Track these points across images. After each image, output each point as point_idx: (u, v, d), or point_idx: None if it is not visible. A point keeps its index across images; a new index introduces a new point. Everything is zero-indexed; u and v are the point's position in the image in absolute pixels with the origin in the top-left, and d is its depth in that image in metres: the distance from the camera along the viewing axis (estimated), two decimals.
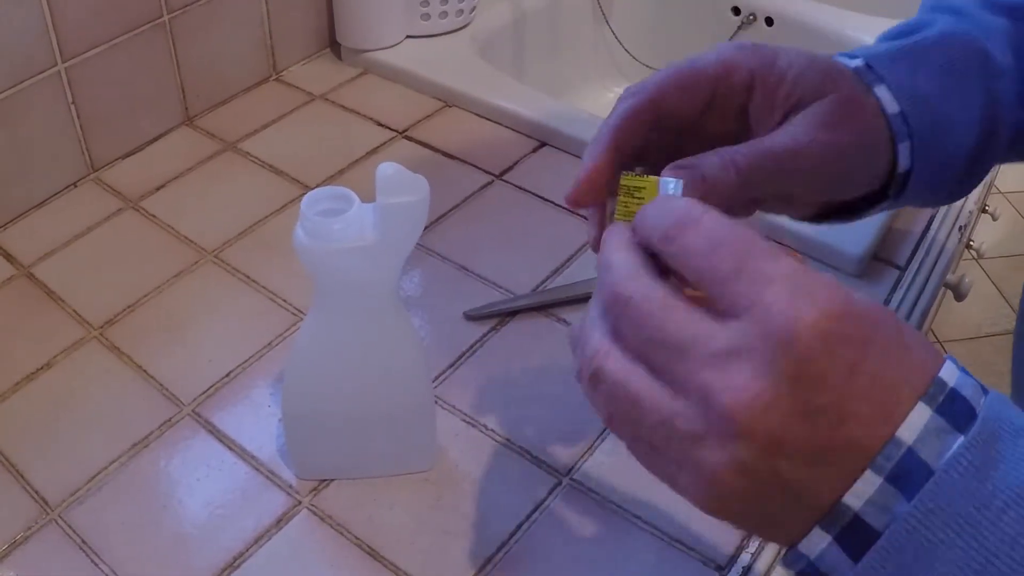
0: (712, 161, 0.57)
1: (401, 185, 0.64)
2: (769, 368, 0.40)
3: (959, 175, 0.66)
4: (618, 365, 0.44)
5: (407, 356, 0.72)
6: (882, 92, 0.62)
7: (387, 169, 0.64)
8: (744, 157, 0.58)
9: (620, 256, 0.46)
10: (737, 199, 0.58)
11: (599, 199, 0.60)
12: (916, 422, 0.41)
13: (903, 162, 0.63)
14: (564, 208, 1.05)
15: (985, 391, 0.43)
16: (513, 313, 0.93)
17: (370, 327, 0.70)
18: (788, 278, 0.41)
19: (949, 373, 0.43)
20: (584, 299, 0.92)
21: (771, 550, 0.74)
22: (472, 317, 0.92)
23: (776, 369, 0.40)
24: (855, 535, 0.42)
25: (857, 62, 0.63)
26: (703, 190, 0.56)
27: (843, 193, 0.65)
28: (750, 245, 0.42)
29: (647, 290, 0.44)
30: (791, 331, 0.40)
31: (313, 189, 0.67)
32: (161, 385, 0.87)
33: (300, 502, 0.78)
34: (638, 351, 0.44)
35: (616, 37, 1.55)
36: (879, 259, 0.98)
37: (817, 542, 0.43)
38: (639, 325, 0.44)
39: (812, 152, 0.59)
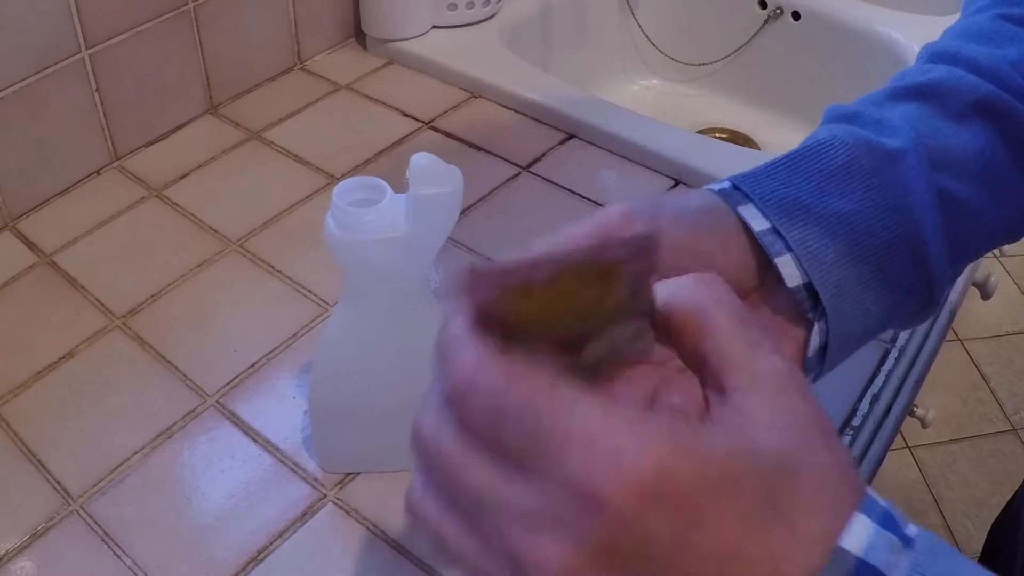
0: None
1: (435, 176, 0.63)
2: (578, 536, 0.36)
3: (903, 262, 0.57)
4: (432, 513, 0.40)
5: None
6: (747, 211, 0.55)
7: (421, 159, 0.63)
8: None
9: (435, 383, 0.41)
10: None
11: None
12: None
13: (790, 279, 0.55)
14: (592, 200, 1.05)
15: (909, 544, 0.38)
16: None
17: (400, 319, 0.69)
18: (587, 437, 0.36)
19: (858, 536, 0.37)
20: None
21: None
22: None
23: (584, 537, 0.36)
24: None
25: (723, 184, 0.58)
26: None
27: None
28: (538, 402, 0.37)
29: (447, 438, 0.39)
30: (595, 497, 0.35)
31: (339, 179, 0.66)
32: (185, 375, 0.86)
33: (325, 495, 0.77)
34: (448, 498, 0.40)
35: (642, 29, 1.53)
36: None
37: None
38: (445, 475, 0.39)
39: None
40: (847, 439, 0.80)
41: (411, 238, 0.64)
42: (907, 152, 0.56)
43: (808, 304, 0.55)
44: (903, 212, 0.55)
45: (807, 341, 0.56)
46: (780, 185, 0.56)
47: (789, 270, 0.55)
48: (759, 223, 0.55)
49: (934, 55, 0.63)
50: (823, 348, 0.56)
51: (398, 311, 0.69)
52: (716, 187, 0.57)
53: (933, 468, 2.44)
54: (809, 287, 0.55)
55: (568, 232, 0.48)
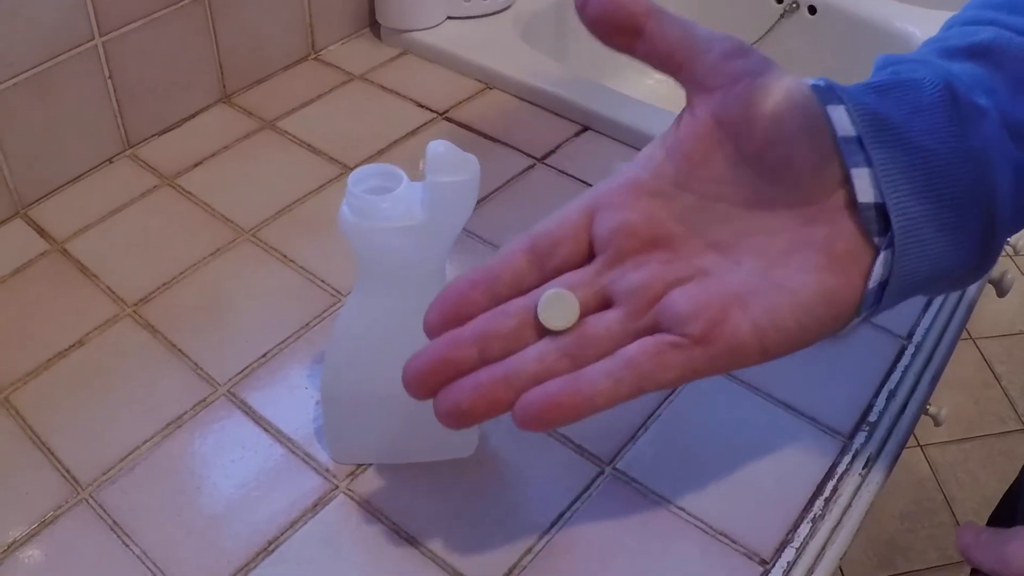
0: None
1: (452, 164, 0.62)
2: None
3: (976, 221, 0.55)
4: None
5: None
6: (836, 113, 0.54)
7: (438, 147, 0.62)
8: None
9: None
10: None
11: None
12: None
13: (863, 193, 0.53)
14: None
15: None
16: None
17: (415, 309, 0.68)
18: None
19: None
20: None
21: (816, 545, 0.72)
22: None
23: None
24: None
25: (818, 80, 0.56)
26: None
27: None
28: None
29: None
30: None
31: (353, 168, 0.65)
32: (196, 364, 0.86)
33: (337, 486, 0.76)
34: None
35: None
36: None
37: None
38: None
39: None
40: (863, 435, 0.79)
41: (427, 226, 0.63)
42: (990, 111, 0.55)
43: (876, 227, 0.53)
44: (982, 167, 0.54)
45: (871, 269, 0.54)
46: (873, 101, 0.54)
47: (863, 184, 0.53)
48: (844, 128, 0.53)
49: (967, 23, 0.61)
50: (883, 284, 0.54)
51: (413, 301, 0.67)
52: (811, 81, 0.56)
53: (944, 467, 2.43)
54: (880, 210, 0.53)
55: None
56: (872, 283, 0.54)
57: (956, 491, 2.39)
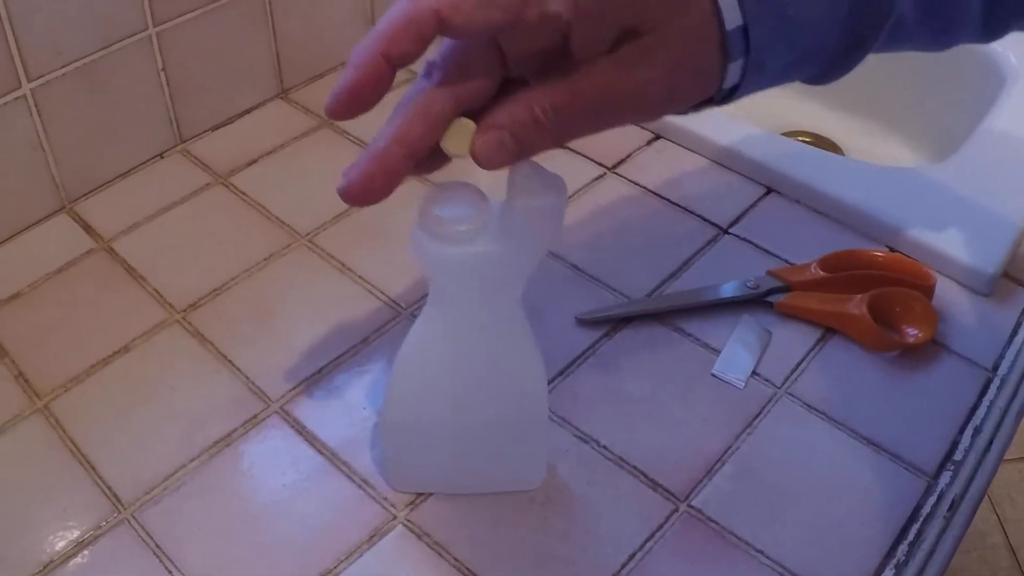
0: (519, 118, 0.53)
1: (536, 184, 0.57)
2: None
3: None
4: None
5: (526, 368, 0.66)
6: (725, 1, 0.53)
7: (522, 166, 0.57)
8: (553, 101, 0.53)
9: None
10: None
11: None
12: None
13: (731, 78, 0.56)
14: (681, 206, 0.99)
15: None
16: (628, 319, 0.86)
17: (489, 336, 0.64)
18: None
19: None
20: (705, 307, 0.86)
21: None
22: (584, 321, 0.86)
23: None
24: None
25: None
26: (515, 153, 0.53)
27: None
28: None
29: None
30: None
31: (434, 184, 0.61)
32: (247, 378, 0.82)
33: (395, 516, 0.72)
34: None
35: None
36: (1010, 278, 0.91)
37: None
38: None
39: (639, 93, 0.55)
40: (947, 475, 0.75)
41: (507, 253, 0.59)
42: None
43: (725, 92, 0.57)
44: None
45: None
46: None
47: (734, 75, 0.56)
48: (732, 19, 0.54)
49: None
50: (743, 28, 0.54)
51: (487, 327, 0.63)
52: None
53: (998, 487, 2.39)
54: None
55: None
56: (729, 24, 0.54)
57: (1010, 512, 2.34)
